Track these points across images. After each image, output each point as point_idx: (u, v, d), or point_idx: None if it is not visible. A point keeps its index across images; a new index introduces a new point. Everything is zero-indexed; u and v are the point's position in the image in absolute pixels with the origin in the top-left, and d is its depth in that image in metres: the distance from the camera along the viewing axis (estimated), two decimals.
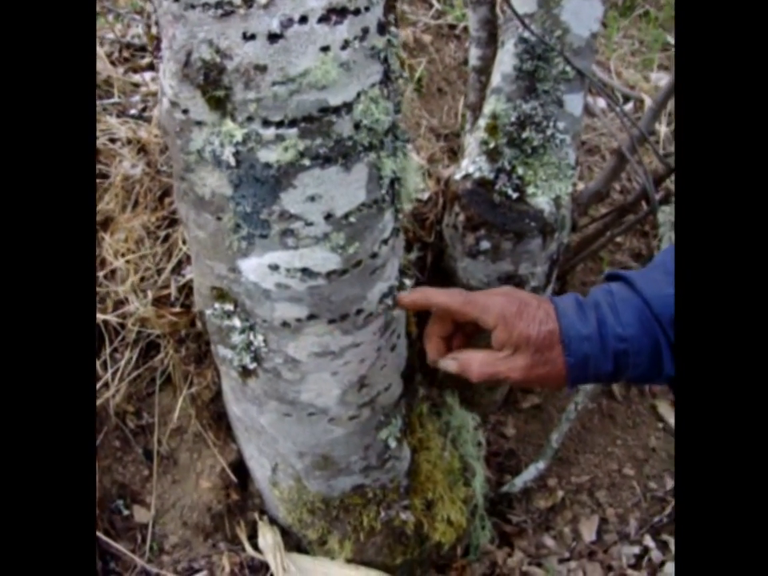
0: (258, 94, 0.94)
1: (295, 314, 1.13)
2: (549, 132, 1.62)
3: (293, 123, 0.97)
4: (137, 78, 1.74)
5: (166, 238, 1.48)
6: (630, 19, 3.12)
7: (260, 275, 1.10)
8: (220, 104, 0.96)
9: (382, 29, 1.02)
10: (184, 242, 1.46)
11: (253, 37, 0.90)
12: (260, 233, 1.05)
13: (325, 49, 0.94)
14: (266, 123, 0.97)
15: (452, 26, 2.52)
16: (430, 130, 2.18)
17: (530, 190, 1.63)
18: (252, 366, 1.23)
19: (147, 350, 1.51)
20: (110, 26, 1.84)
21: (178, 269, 1.47)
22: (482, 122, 1.66)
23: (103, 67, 1.67)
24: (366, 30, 0.99)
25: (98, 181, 1.49)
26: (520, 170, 1.63)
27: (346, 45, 0.96)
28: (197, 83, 0.95)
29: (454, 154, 2.20)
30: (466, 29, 2.51)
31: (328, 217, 1.05)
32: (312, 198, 1.03)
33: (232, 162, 0.99)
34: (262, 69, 0.93)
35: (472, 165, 1.66)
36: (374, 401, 1.32)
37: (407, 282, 1.29)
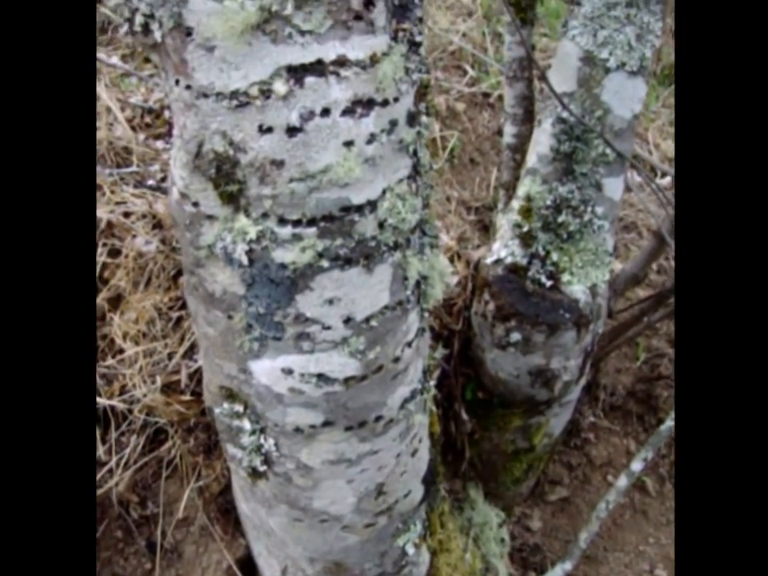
0: (274, 190, 0.87)
1: (309, 420, 1.04)
2: (586, 217, 1.53)
3: (311, 222, 0.89)
4: (157, 144, 1.69)
5: (179, 320, 1.40)
6: (668, 89, 3.04)
7: (272, 378, 1.01)
8: (233, 199, 0.89)
9: (412, 120, 0.95)
10: None
11: (270, 130, 0.83)
12: (273, 335, 0.97)
13: (348, 144, 0.87)
14: (282, 221, 0.89)
15: (486, 95, 2.46)
16: (461, 203, 2.10)
17: (565, 277, 1.54)
18: (262, 468, 1.14)
19: (154, 437, 1.43)
20: (134, 89, 1.80)
21: (189, 353, 1.39)
22: (516, 204, 1.57)
23: (123, 134, 1.62)
24: (394, 123, 0.91)
25: (110, 258, 1.43)
26: (554, 256, 1.54)
27: (372, 139, 0.89)
28: (208, 176, 0.88)
29: (486, 229, 2.12)
30: (500, 97, 2.45)
31: (347, 321, 0.97)
32: (330, 302, 0.94)
33: (245, 260, 0.91)
34: (278, 164, 0.85)
35: (504, 249, 1.57)
36: (391, 508, 1.22)
37: (431, 383, 1.21)
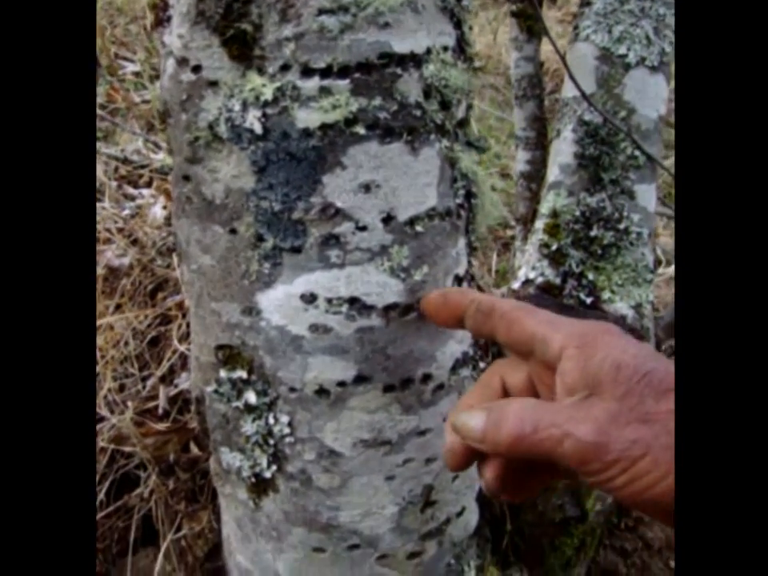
0: (297, 27, 0.69)
1: (338, 374, 0.79)
2: (621, 226, 1.36)
3: (344, 72, 0.70)
4: (132, 191, 1.50)
5: (156, 339, 1.15)
6: None
7: (289, 313, 0.77)
8: (244, 50, 0.70)
9: None
10: (180, 341, 1.13)
11: None
12: (291, 244, 0.75)
13: None
14: (307, 72, 0.70)
15: None
16: None
17: (606, 295, 1.34)
18: (269, 471, 0.86)
19: (121, 485, 1.12)
20: (116, 144, 1.64)
21: (170, 377, 1.13)
22: (540, 223, 1.40)
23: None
24: None
25: None
26: (590, 276, 1.35)
27: None
28: (214, 24, 0.70)
29: None
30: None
31: (388, 219, 0.75)
32: (367, 188, 0.74)
33: (258, 128, 0.71)
34: None
35: (532, 271, 1.38)
36: (442, 530, 0.93)
37: (481, 363, 0.97)
